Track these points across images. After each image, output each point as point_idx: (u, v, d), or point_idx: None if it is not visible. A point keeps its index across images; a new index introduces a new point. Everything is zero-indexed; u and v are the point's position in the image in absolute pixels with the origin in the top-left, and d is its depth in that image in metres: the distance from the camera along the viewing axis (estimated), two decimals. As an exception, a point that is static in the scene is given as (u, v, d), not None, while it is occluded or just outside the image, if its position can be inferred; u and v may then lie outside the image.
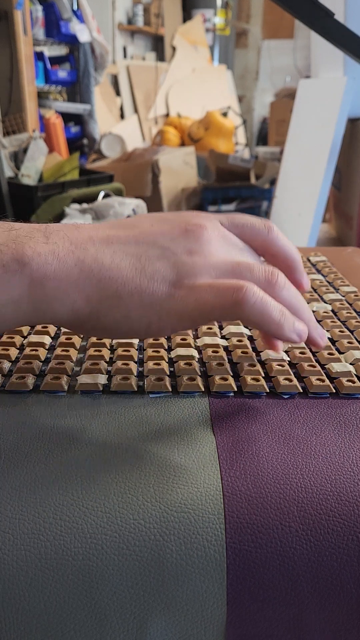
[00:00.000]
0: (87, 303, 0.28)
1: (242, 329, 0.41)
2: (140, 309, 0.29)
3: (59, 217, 2.07)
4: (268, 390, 0.34)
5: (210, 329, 0.41)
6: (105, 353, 0.36)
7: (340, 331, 0.42)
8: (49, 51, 3.30)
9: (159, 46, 4.78)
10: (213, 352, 0.37)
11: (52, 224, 0.30)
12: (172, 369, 0.36)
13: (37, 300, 0.28)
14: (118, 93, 4.10)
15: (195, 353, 0.37)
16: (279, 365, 0.36)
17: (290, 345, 0.38)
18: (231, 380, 0.34)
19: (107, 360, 0.36)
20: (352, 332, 0.42)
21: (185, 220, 0.32)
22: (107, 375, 0.34)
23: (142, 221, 0.32)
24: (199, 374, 0.35)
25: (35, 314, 0.28)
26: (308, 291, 0.36)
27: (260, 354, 0.38)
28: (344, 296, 0.49)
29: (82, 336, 0.40)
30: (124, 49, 4.42)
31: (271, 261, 0.35)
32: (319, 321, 0.44)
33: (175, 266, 0.29)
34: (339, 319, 0.44)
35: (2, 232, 0.28)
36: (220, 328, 0.42)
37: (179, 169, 2.90)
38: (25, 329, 0.40)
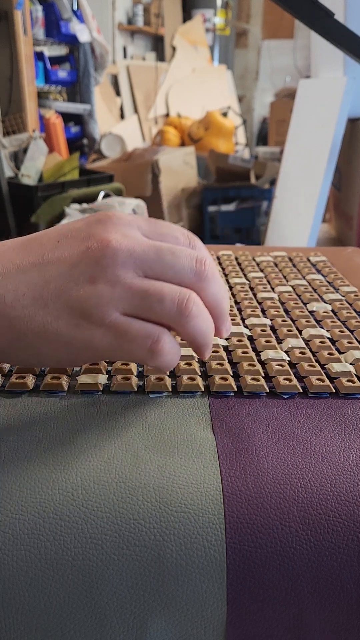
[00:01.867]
0: None
1: (242, 329, 0.41)
2: (48, 346, 0.28)
3: (59, 217, 2.07)
4: (268, 390, 0.34)
5: (210, 329, 0.41)
6: (105, 353, 0.36)
7: (340, 331, 0.42)
8: (49, 51, 3.30)
9: (159, 46, 4.77)
10: (213, 352, 0.37)
11: None
12: (172, 369, 0.36)
13: None
14: (118, 93, 4.10)
15: (195, 353, 0.37)
16: (279, 365, 0.36)
17: (290, 345, 0.38)
18: (231, 380, 0.34)
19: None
20: (352, 332, 0.42)
21: (89, 235, 0.29)
22: (107, 375, 0.34)
23: (49, 238, 0.29)
24: (199, 374, 0.35)
25: None
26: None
27: (260, 354, 0.38)
28: (344, 296, 0.49)
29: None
30: (124, 49, 4.41)
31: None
32: (319, 321, 0.44)
33: (80, 300, 0.27)
34: (339, 319, 0.44)
35: None
36: (220, 328, 0.42)
37: (179, 169, 2.90)
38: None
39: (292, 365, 0.37)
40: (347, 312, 0.45)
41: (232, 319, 0.43)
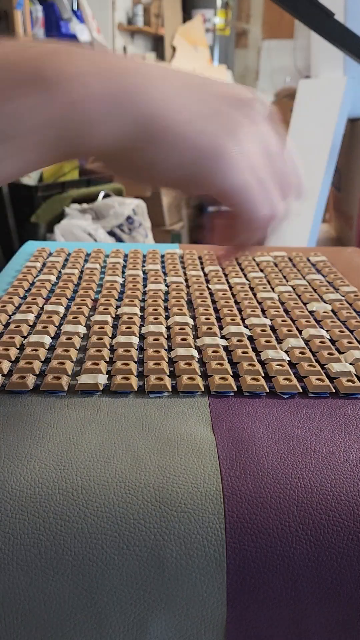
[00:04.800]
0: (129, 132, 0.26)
1: (242, 329, 0.41)
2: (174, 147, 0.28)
3: (59, 217, 2.07)
4: (268, 390, 0.34)
5: (210, 329, 0.41)
6: (105, 353, 0.36)
7: (340, 331, 0.42)
8: (49, 51, 3.30)
9: (159, 46, 4.77)
10: (213, 352, 0.37)
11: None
12: (172, 369, 0.36)
13: (73, 123, 0.24)
14: (118, 93, 4.09)
15: (195, 353, 0.37)
16: (279, 365, 0.36)
17: (290, 345, 0.38)
18: (231, 380, 0.34)
19: (107, 360, 0.36)
20: (352, 332, 0.42)
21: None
22: (107, 375, 0.34)
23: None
24: (199, 374, 0.35)
25: (68, 142, 0.24)
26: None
27: (260, 354, 0.38)
28: (344, 296, 0.49)
29: (82, 336, 0.40)
30: (124, 49, 4.41)
31: None
32: (319, 321, 0.44)
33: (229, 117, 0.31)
34: (339, 319, 0.44)
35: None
36: (220, 328, 0.42)
37: (179, 169, 2.89)
38: (25, 329, 0.40)
39: (292, 365, 0.37)
40: (347, 312, 0.45)
41: (232, 319, 0.43)
